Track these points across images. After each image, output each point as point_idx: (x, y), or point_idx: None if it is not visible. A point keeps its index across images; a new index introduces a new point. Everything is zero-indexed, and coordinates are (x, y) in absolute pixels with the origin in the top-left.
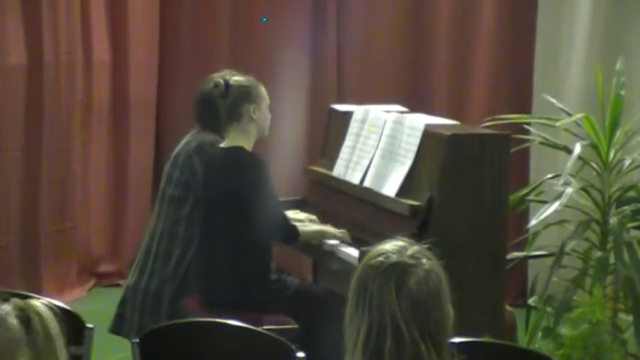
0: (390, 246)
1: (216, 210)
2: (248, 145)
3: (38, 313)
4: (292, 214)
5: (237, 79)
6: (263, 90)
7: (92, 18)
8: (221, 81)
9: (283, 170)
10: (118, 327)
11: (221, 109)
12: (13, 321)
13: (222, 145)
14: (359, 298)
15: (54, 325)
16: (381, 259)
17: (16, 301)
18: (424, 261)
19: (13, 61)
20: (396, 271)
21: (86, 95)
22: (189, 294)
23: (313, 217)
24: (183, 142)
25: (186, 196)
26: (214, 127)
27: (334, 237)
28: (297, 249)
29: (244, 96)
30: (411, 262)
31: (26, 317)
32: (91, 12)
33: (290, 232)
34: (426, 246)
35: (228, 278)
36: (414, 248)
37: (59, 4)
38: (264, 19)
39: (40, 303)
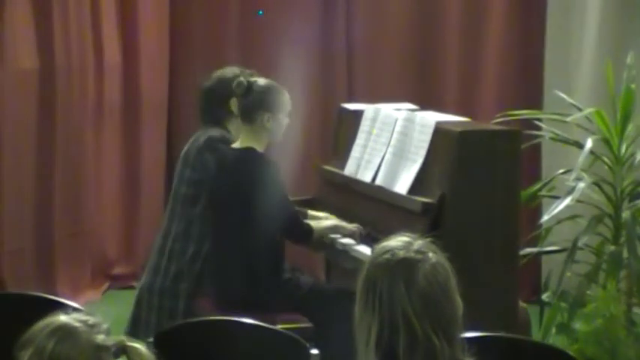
0: (395, 242)
1: (227, 210)
2: (260, 147)
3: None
4: (311, 212)
5: (260, 83)
6: (284, 98)
7: (103, 20)
8: (244, 81)
9: (294, 169)
10: (133, 330)
11: (238, 107)
12: (110, 354)
13: (235, 145)
14: (368, 296)
15: None
16: (387, 256)
17: (127, 340)
18: (430, 255)
19: (25, 65)
20: (404, 267)
21: (98, 97)
22: (204, 293)
23: (333, 217)
24: (190, 140)
25: (198, 193)
26: (219, 123)
27: (348, 231)
28: (311, 248)
29: (261, 103)
30: (418, 257)
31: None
32: (102, 14)
33: (304, 230)
34: (429, 240)
35: (241, 278)
36: (418, 243)
37: (70, 8)
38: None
39: (146, 351)
